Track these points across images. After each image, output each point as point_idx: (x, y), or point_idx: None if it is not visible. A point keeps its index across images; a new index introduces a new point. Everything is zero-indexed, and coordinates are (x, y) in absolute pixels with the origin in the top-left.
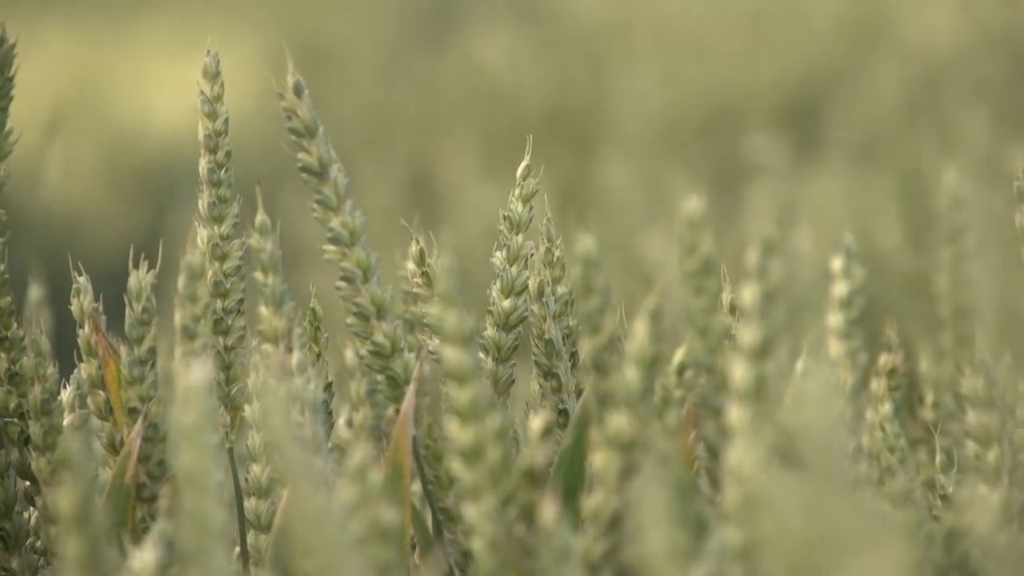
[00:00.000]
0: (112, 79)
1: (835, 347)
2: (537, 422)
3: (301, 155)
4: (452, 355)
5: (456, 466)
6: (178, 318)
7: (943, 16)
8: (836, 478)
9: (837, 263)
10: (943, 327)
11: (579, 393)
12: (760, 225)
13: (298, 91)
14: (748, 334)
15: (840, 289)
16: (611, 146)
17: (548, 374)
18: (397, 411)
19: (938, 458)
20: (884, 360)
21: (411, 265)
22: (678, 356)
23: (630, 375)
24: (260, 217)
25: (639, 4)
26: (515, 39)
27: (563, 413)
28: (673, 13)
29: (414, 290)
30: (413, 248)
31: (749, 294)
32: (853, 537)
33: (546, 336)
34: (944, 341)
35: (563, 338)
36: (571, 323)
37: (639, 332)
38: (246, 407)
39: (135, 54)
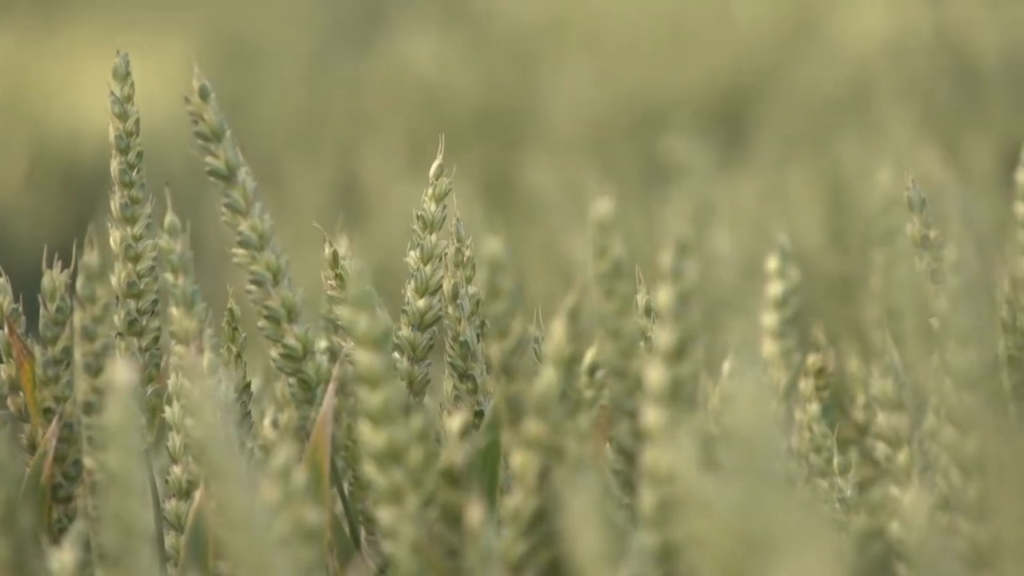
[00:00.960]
0: (42, 80)
1: (769, 347)
2: (456, 423)
3: (208, 159)
4: (364, 358)
5: (369, 470)
6: (77, 319)
7: (869, 17)
8: (770, 477)
9: (772, 263)
10: (874, 328)
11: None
12: (676, 226)
13: (204, 95)
14: (663, 336)
15: (775, 289)
16: (539, 147)
17: (463, 376)
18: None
19: (836, 460)
20: (812, 360)
21: (326, 267)
22: (588, 356)
23: (547, 375)
24: (169, 218)
25: (568, 6)
26: (444, 39)
27: (479, 415)
28: (602, 15)
29: (328, 292)
30: (327, 251)
31: (664, 295)
32: (786, 536)
33: (461, 338)
34: (876, 341)
35: (477, 338)
36: (485, 324)
37: (556, 332)
38: (166, 408)
39: (66, 55)
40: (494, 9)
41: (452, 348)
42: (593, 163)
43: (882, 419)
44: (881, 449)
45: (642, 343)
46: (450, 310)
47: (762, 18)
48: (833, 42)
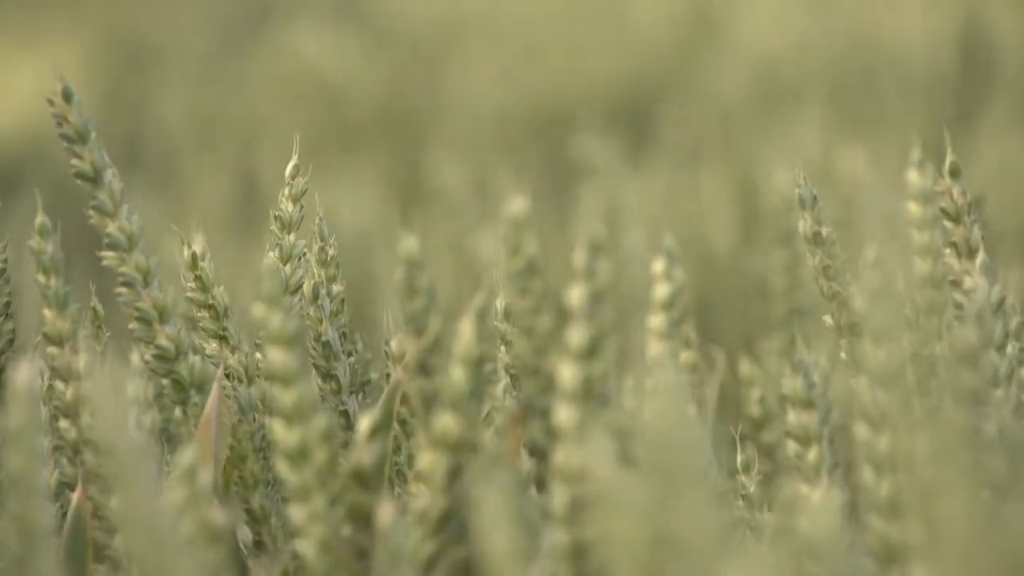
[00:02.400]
0: None
1: (657, 347)
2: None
3: (74, 161)
4: (277, 356)
5: (281, 468)
6: None
7: (775, 17)
8: (686, 477)
9: (658, 265)
10: (777, 327)
11: (359, 394)
12: (588, 226)
13: (68, 97)
14: (575, 335)
15: (662, 290)
16: (444, 145)
17: (327, 376)
18: (185, 413)
19: (739, 458)
20: (685, 357)
21: (185, 270)
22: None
23: (456, 375)
24: (40, 219)
25: (472, 5)
26: (343, 38)
27: (343, 415)
28: (506, 13)
29: (188, 295)
30: (186, 252)
31: (576, 295)
32: (699, 535)
33: (323, 338)
34: (779, 341)
35: (340, 337)
36: (346, 321)
37: (465, 332)
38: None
39: None
40: (395, 7)
41: (315, 349)
42: (499, 162)
43: (792, 417)
44: (791, 447)
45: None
46: (311, 312)
47: (666, 16)
48: (738, 40)
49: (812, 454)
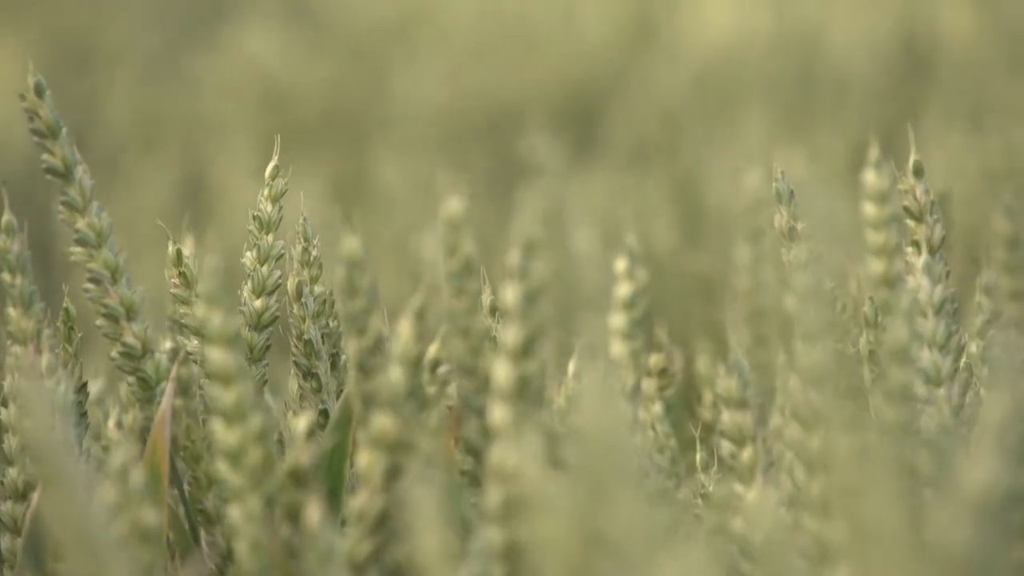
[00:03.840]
0: None
1: (618, 348)
2: (302, 422)
3: (45, 156)
4: (217, 356)
5: (221, 468)
6: None
7: (717, 16)
8: (618, 478)
9: (620, 264)
10: (729, 327)
11: (339, 394)
12: (524, 226)
13: (40, 91)
14: (510, 334)
15: (623, 290)
16: (389, 145)
17: (308, 374)
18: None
19: (698, 457)
20: (655, 360)
21: (170, 266)
22: (432, 352)
23: (394, 375)
24: (6, 217)
25: (417, 4)
26: (290, 37)
27: (323, 414)
28: (451, 14)
29: (171, 291)
30: (171, 249)
31: (510, 294)
32: (633, 537)
33: (305, 336)
34: (740, 341)
35: (322, 338)
36: (330, 323)
37: (403, 332)
38: (1, 409)
39: None
40: (341, 7)
41: (296, 347)
42: (444, 162)
43: (727, 417)
44: (726, 447)
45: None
46: (295, 309)
47: (610, 17)
48: (682, 41)
49: (747, 453)
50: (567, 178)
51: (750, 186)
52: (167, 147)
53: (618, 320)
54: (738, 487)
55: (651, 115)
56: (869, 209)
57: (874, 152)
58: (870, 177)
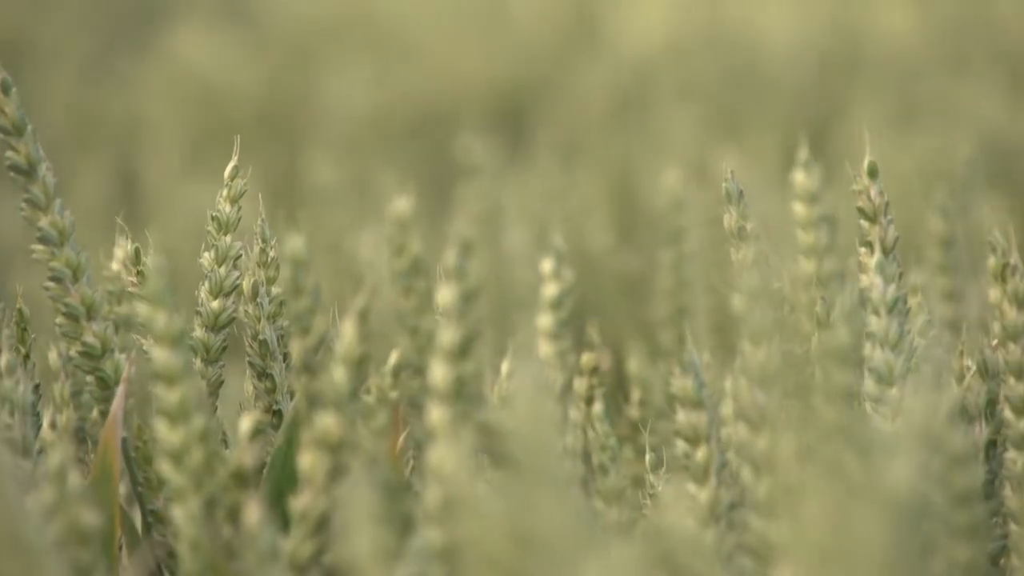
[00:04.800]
0: None
1: (545, 347)
2: (246, 423)
3: (9, 153)
4: (162, 355)
5: (164, 468)
6: None
7: (650, 17)
8: (548, 477)
9: (547, 265)
10: (661, 327)
11: (293, 394)
12: (460, 226)
13: (5, 88)
14: (447, 334)
15: (550, 290)
16: (322, 146)
17: (262, 375)
18: (103, 413)
19: (648, 457)
20: (586, 359)
21: (122, 265)
22: (394, 357)
23: (338, 375)
24: None
25: (350, 5)
26: (224, 38)
27: (277, 414)
28: (385, 14)
29: (129, 289)
30: (128, 247)
31: (447, 294)
32: (565, 537)
33: (260, 337)
34: (663, 340)
35: (277, 339)
36: (284, 324)
37: (347, 332)
38: None
39: None
40: (275, 8)
41: (251, 347)
42: (378, 162)
43: (682, 417)
44: (680, 447)
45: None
46: (250, 309)
47: (544, 17)
48: (614, 41)
49: (701, 453)
50: (501, 178)
51: (671, 186)
52: (102, 148)
53: (545, 320)
54: (691, 487)
55: (584, 115)
56: (799, 209)
57: (803, 152)
58: (800, 177)
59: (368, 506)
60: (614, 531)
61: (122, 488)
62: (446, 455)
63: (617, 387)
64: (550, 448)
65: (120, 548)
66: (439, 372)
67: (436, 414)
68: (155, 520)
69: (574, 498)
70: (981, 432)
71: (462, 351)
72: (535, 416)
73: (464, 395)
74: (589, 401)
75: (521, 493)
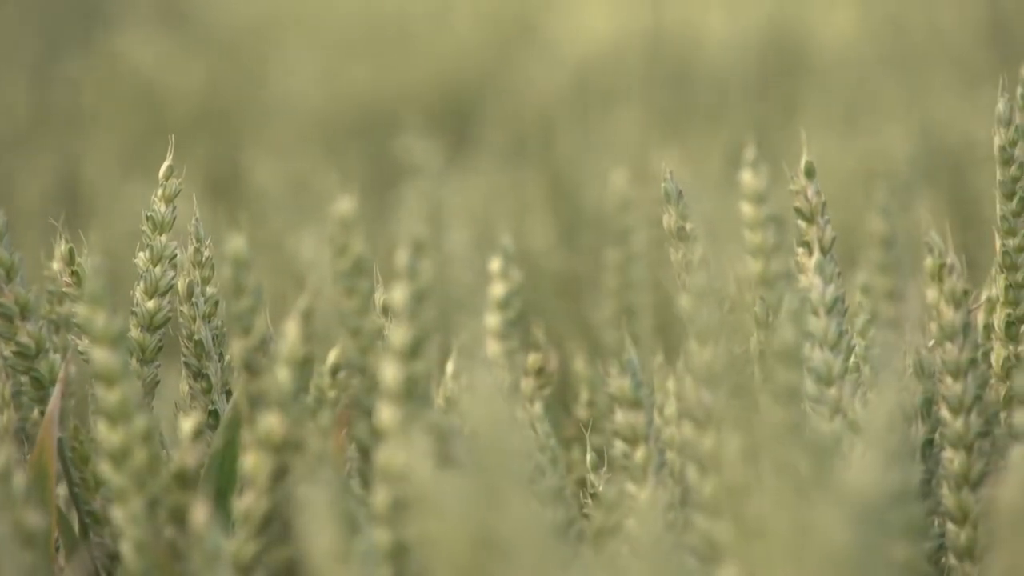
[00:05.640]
0: None
1: (493, 347)
2: (188, 423)
3: None
4: (101, 356)
5: (105, 468)
6: None
7: (596, 17)
8: (505, 478)
9: (495, 264)
10: (606, 327)
11: (229, 394)
12: (410, 225)
13: None
14: (398, 334)
15: (498, 290)
16: (264, 145)
17: (198, 375)
18: (42, 413)
19: (588, 456)
20: (532, 359)
21: (60, 264)
22: (332, 356)
23: (282, 376)
24: None
25: (292, 5)
26: (166, 38)
27: (213, 414)
28: (326, 14)
29: (64, 290)
30: (63, 247)
31: (399, 294)
32: (523, 537)
33: (196, 337)
34: (608, 340)
35: (213, 339)
36: (220, 324)
37: (290, 332)
38: None
39: None
40: (217, 7)
41: (187, 347)
42: (319, 161)
43: (620, 416)
44: (619, 447)
45: (379, 341)
46: (185, 309)
47: (486, 16)
48: (556, 42)
49: (639, 453)
50: (442, 178)
51: (618, 186)
52: (45, 148)
53: (493, 320)
54: (631, 487)
55: (527, 114)
56: (746, 209)
57: (750, 152)
58: (747, 177)
59: (326, 505)
60: (563, 531)
61: (59, 489)
62: (396, 455)
63: (565, 388)
64: (509, 448)
65: (57, 550)
66: (390, 372)
67: (387, 414)
68: (93, 521)
69: (534, 498)
70: (917, 431)
71: (413, 351)
72: (492, 415)
73: (415, 395)
74: (533, 401)
75: (482, 493)
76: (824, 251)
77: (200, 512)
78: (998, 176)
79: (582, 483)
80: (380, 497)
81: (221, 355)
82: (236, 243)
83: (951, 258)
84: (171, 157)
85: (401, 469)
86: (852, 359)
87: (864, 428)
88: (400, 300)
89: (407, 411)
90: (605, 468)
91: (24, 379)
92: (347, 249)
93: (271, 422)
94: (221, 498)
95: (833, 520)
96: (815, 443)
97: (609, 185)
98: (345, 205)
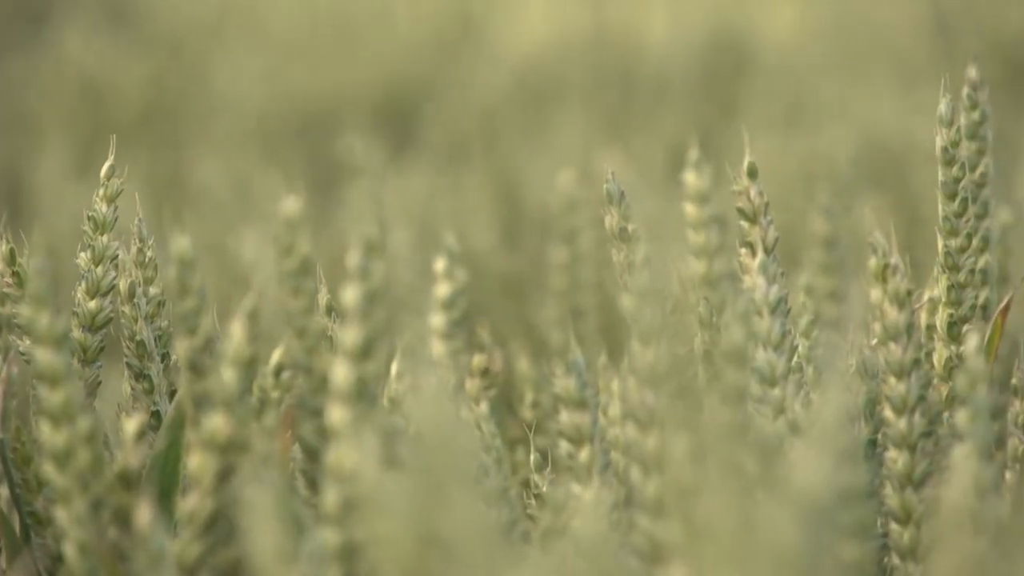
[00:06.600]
0: None
1: (438, 348)
2: (131, 424)
3: None
4: (44, 356)
5: (48, 469)
6: None
7: (538, 17)
8: (450, 478)
9: (440, 264)
10: (551, 327)
11: (171, 395)
12: (361, 226)
13: None
14: (350, 335)
15: (442, 290)
16: (207, 145)
17: (140, 375)
18: None
19: (532, 457)
20: (477, 360)
21: (1, 265)
22: (275, 357)
23: (227, 376)
24: None
25: (236, 5)
26: (110, 38)
27: (155, 415)
28: (269, 14)
29: (5, 290)
30: (4, 248)
31: (350, 295)
32: (469, 537)
33: (138, 337)
34: (553, 341)
35: (155, 339)
36: (163, 324)
37: (236, 333)
38: None
39: None
40: (161, 7)
41: (129, 348)
42: (262, 161)
43: (565, 417)
44: (564, 447)
45: (324, 342)
46: (126, 310)
47: (428, 16)
48: (499, 43)
49: (584, 454)
50: (384, 178)
51: (564, 187)
52: None
53: (437, 320)
54: (575, 487)
55: (470, 115)
56: (690, 210)
57: (694, 153)
58: (690, 178)
59: (271, 506)
60: (508, 531)
61: (1, 490)
62: (346, 455)
63: (510, 388)
64: (456, 448)
65: None
66: (341, 372)
67: (336, 414)
68: (35, 523)
69: (480, 498)
70: (861, 431)
71: (365, 352)
72: (439, 416)
73: (365, 396)
74: (479, 402)
75: (428, 492)
76: (767, 251)
77: (144, 513)
78: (940, 177)
79: (527, 484)
80: (329, 497)
81: (164, 356)
82: (181, 243)
83: (895, 258)
84: (113, 157)
85: (350, 469)
86: (795, 359)
87: (806, 428)
88: (352, 300)
89: (357, 412)
90: (549, 469)
91: None
92: (293, 249)
93: (217, 422)
94: (164, 499)
95: (780, 520)
96: (761, 443)
97: (554, 185)
98: (291, 205)
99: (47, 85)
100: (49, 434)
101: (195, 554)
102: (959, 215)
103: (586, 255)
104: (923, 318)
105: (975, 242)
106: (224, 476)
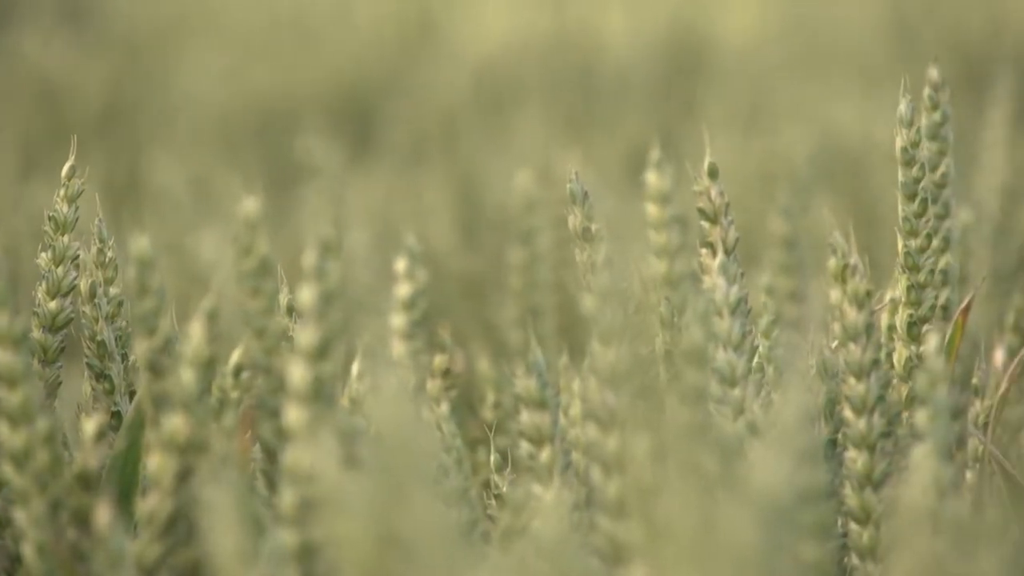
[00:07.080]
0: None
1: (398, 348)
2: (90, 425)
3: None
4: (3, 357)
5: (6, 470)
6: None
7: (498, 18)
8: (410, 478)
9: (400, 264)
10: (511, 327)
11: (132, 395)
12: (318, 226)
13: None
14: (306, 335)
15: (403, 290)
16: (166, 146)
17: (100, 376)
18: None
19: (492, 458)
20: (438, 361)
21: None
22: (234, 357)
23: (186, 377)
24: None
25: (194, 6)
26: (68, 39)
27: (116, 415)
28: (227, 14)
29: None
30: None
31: (307, 295)
32: (429, 537)
33: (98, 338)
34: (513, 341)
35: (116, 340)
36: (123, 324)
37: (195, 333)
38: None
39: None
40: (120, 7)
41: (89, 348)
42: (221, 161)
43: (526, 417)
44: (524, 447)
45: (284, 342)
46: (87, 310)
47: (389, 16)
48: (459, 42)
49: (545, 454)
50: (343, 179)
51: (522, 187)
52: None
53: (398, 320)
54: (536, 488)
55: (429, 115)
56: (651, 210)
57: (655, 153)
58: (652, 178)
59: (230, 506)
60: (468, 532)
61: None
62: (303, 455)
63: (471, 389)
64: (416, 448)
65: None
66: (297, 372)
67: (293, 415)
68: None
69: (440, 498)
70: (821, 432)
71: (321, 352)
72: (399, 416)
73: (322, 396)
74: (439, 402)
75: (387, 493)
76: (728, 252)
77: (103, 513)
78: (900, 177)
79: (487, 484)
80: (287, 498)
81: (124, 356)
82: (140, 243)
83: (854, 259)
84: (73, 157)
85: (308, 470)
86: (756, 360)
87: (766, 429)
88: (308, 301)
89: (314, 412)
90: (510, 469)
91: None
92: (252, 249)
93: (176, 423)
94: (124, 499)
95: (740, 520)
96: (721, 443)
97: (513, 186)
98: (250, 205)
99: (3, 86)
100: (7, 435)
101: (155, 555)
102: (919, 215)
103: (545, 255)
104: (884, 319)
105: (935, 242)
106: (183, 476)
